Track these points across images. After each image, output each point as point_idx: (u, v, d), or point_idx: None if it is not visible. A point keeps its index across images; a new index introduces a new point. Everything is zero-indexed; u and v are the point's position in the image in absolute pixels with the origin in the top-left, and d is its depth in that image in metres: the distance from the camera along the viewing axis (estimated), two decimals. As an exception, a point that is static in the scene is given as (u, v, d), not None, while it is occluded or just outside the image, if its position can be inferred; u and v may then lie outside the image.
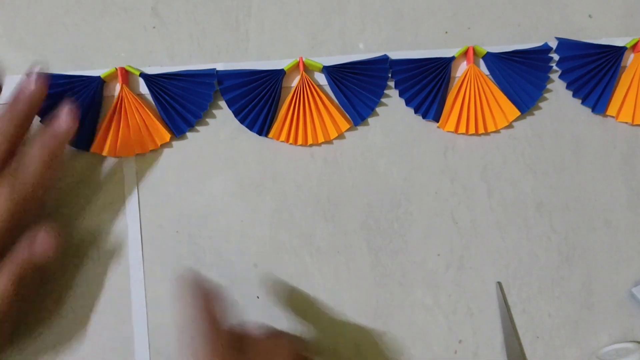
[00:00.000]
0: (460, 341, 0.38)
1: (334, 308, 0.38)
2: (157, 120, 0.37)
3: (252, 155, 0.39)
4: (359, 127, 0.39)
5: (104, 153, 0.37)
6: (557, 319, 0.38)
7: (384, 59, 0.38)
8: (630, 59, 0.39)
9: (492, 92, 0.38)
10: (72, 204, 0.38)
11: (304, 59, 0.38)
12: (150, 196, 0.38)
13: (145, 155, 0.38)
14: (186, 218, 0.38)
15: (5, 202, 0.29)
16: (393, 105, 0.39)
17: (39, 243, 0.31)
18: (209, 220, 0.38)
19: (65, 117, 0.32)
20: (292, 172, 0.39)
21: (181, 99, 0.37)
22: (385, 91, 0.39)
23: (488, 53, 0.38)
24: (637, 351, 0.35)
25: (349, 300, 0.38)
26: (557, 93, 0.39)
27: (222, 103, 0.39)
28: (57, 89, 0.37)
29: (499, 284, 0.38)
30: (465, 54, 0.39)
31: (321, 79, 0.39)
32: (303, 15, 0.40)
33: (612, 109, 0.38)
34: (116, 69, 0.37)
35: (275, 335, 0.31)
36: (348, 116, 0.38)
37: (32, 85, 0.32)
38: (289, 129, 0.38)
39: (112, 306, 0.37)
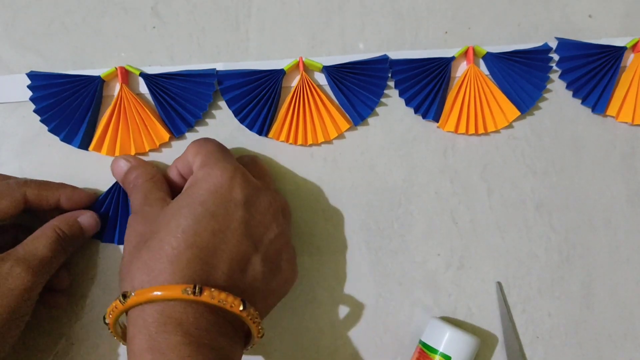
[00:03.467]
0: (460, 341, 0.38)
1: (334, 308, 0.38)
2: (157, 120, 0.37)
3: (252, 155, 0.39)
4: (359, 127, 0.39)
5: (103, 152, 0.37)
6: (557, 319, 0.38)
7: (384, 59, 0.38)
8: (630, 59, 0.39)
9: (492, 92, 0.38)
10: (71, 204, 0.38)
11: (304, 59, 0.38)
12: (150, 196, 0.38)
13: (144, 155, 0.38)
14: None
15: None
16: (393, 105, 0.39)
17: (87, 217, 0.34)
18: (208, 220, 0.38)
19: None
20: (292, 172, 0.39)
21: (181, 99, 0.37)
22: (385, 91, 0.39)
23: (488, 53, 0.38)
24: None
25: (349, 300, 0.38)
26: (557, 93, 0.39)
27: (222, 103, 0.39)
28: (57, 89, 0.37)
29: (499, 284, 0.38)
30: (465, 54, 0.39)
31: (321, 79, 0.39)
32: (303, 15, 0.40)
33: (612, 109, 0.38)
34: (116, 69, 0.37)
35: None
36: (348, 116, 0.38)
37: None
38: (289, 129, 0.38)
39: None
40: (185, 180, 0.33)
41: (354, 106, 0.38)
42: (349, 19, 0.39)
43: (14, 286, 0.29)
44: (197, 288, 0.26)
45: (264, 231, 0.30)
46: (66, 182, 0.36)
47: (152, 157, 0.38)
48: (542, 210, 0.38)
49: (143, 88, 0.38)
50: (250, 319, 0.28)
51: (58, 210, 0.34)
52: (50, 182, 0.34)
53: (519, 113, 0.38)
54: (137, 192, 0.32)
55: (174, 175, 0.34)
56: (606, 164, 0.39)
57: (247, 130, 0.38)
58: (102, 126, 0.37)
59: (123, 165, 0.35)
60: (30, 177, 0.38)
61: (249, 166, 0.34)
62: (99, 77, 0.37)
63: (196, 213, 0.28)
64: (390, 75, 0.38)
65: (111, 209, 0.36)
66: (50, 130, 0.37)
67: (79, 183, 0.38)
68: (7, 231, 0.35)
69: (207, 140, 0.33)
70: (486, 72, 0.39)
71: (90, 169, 0.38)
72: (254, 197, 0.30)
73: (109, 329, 0.29)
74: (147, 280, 0.27)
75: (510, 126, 0.39)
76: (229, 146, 0.38)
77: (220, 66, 0.38)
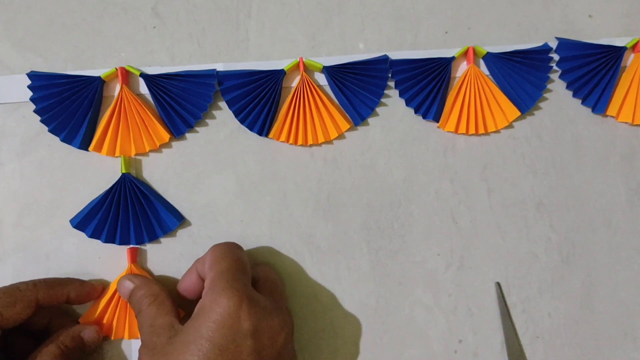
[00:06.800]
0: (460, 341, 0.38)
1: (334, 308, 0.38)
2: (157, 120, 0.37)
3: (252, 155, 0.39)
4: (359, 127, 0.39)
5: (103, 153, 0.37)
6: (557, 319, 0.38)
7: (384, 59, 0.38)
8: (630, 59, 0.39)
9: (492, 92, 0.38)
10: (70, 204, 0.38)
11: (304, 59, 0.38)
12: (150, 196, 0.38)
13: (144, 155, 0.38)
14: (186, 218, 0.38)
15: None
16: (393, 105, 0.39)
17: (90, 332, 0.35)
18: (209, 220, 0.38)
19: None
20: (292, 172, 0.39)
21: (181, 100, 0.37)
22: (385, 91, 0.39)
23: (488, 53, 0.38)
24: None
25: (349, 300, 0.38)
26: (557, 93, 0.39)
27: (222, 104, 0.39)
28: (57, 89, 0.37)
29: (498, 284, 0.38)
30: (465, 54, 0.39)
31: (321, 79, 0.39)
32: (303, 15, 0.40)
33: (612, 109, 0.38)
34: (116, 69, 0.37)
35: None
36: (348, 116, 0.38)
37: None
38: (289, 129, 0.38)
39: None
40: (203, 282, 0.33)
41: (354, 106, 0.38)
42: (349, 19, 0.39)
43: None
44: None
45: (276, 357, 0.30)
46: (66, 182, 0.36)
47: (152, 157, 0.38)
48: (542, 210, 0.39)
49: (143, 88, 0.38)
50: None
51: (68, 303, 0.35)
52: (58, 279, 0.35)
53: (519, 113, 0.38)
54: (142, 317, 0.32)
55: (194, 278, 0.33)
56: (606, 164, 0.39)
57: (247, 130, 0.38)
58: (102, 126, 0.37)
59: (128, 285, 0.34)
60: (30, 177, 0.38)
61: (260, 282, 0.33)
62: (99, 77, 0.37)
63: (204, 350, 0.28)
64: (390, 75, 0.38)
65: (111, 209, 0.36)
66: (51, 131, 0.37)
67: (79, 183, 0.38)
68: (42, 315, 0.35)
69: (224, 254, 0.32)
70: (486, 72, 0.39)
71: (90, 169, 0.38)
72: (263, 323, 0.30)
73: None
74: None
75: (510, 126, 0.39)
76: (229, 147, 0.39)
77: (220, 66, 0.38)
